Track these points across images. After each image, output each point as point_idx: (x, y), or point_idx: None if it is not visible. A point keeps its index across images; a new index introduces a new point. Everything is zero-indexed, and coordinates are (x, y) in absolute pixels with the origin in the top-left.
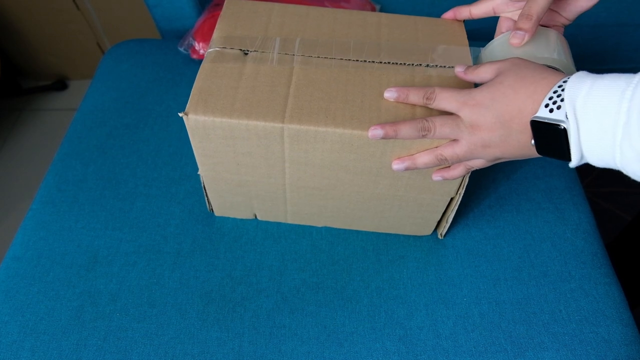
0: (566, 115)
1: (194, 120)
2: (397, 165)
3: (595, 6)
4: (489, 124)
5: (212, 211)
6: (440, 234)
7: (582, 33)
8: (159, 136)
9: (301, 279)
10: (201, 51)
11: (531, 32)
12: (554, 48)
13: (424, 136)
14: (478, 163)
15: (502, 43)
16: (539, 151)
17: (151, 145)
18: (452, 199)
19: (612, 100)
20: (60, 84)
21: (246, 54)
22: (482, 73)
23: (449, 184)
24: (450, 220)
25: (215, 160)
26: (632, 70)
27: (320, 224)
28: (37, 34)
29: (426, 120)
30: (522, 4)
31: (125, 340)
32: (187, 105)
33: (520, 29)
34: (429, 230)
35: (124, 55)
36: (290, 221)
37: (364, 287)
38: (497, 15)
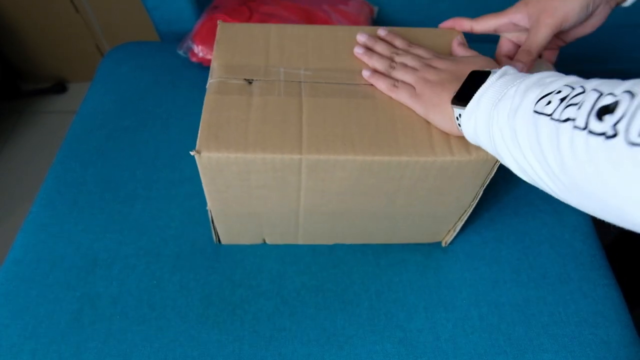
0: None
1: (207, 157)
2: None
3: None
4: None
5: (219, 242)
6: (445, 242)
7: None
8: (159, 138)
9: (301, 282)
10: (200, 54)
11: (529, 65)
12: None
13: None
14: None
15: None
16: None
17: (150, 147)
18: (464, 210)
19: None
20: (60, 87)
21: (250, 82)
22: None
23: (465, 198)
24: (457, 229)
25: (227, 194)
26: (632, 71)
27: (331, 242)
28: (37, 36)
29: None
30: (525, 27)
31: (125, 343)
32: (198, 142)
33: (519, 61)
34: (440, 238)
35: (123, 58)
36: (301, 242)
37: (364, 290)
38: (498, 34)
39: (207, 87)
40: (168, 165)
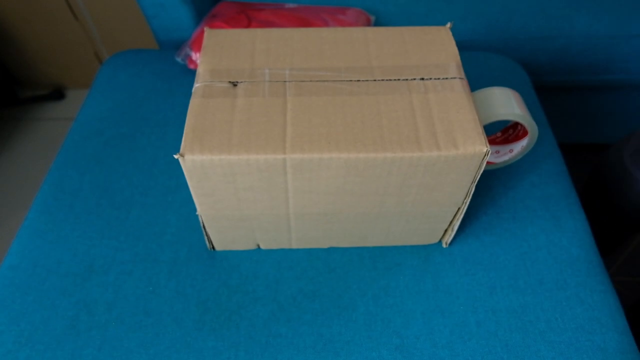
0: None
1: (190, 161)
2: None
3: (587, 18)
4: None
5: (213, 249)
6: (445, 243)
7: (575, 44)
8: (156, 145)
9: (297, 287)
10: (198, 61)
11: None
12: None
13: None
14: None
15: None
16: None
17: (148, 154)
18: (458, 208)
19: None
20: (58, 94)
21: (235, 85)
22: None
23: (456, 195)
24: (455, 228)
25: (215, 198)
26: (625, 82)
27: (325, 245)
28: (35, 43)
29: None
30: None
31: (121, 349)
32: (182, 146)
33: None
34: (436, 239)
35: (122, 65)
36: (295, 247)
37: (361, 295)
38: None
39: (192, 92)
40: (165, 171)
